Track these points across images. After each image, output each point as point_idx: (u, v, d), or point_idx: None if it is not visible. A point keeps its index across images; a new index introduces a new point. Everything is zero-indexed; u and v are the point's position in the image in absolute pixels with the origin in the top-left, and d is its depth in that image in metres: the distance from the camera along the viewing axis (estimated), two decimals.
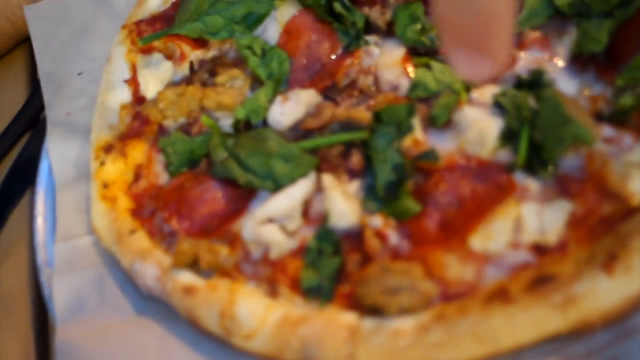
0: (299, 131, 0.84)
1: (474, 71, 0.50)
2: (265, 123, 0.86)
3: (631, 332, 0.58)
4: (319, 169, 0.79)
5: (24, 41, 1.23)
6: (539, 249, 0.66)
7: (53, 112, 1.02)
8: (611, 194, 0.65)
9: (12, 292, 0.93)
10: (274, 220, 0.77)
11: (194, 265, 0.79)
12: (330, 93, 0.87)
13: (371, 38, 0.89)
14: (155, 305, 0.79)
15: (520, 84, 0.78)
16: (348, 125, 0.81)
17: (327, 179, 0.77)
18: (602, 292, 0.58)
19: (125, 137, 0.94)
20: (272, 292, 0.73)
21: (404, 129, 0.77)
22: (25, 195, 1.05)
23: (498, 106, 0.76)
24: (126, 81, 0.99)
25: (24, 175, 1.06)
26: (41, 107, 1.10)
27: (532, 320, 0.60)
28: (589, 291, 0.59)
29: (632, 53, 0.72)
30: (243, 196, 0.82)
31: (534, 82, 0.77)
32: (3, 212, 1.02)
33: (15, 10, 1.17)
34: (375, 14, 0.90)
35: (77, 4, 1.14)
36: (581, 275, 0.60)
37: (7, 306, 0.92)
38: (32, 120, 1.13)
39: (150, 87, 0.99)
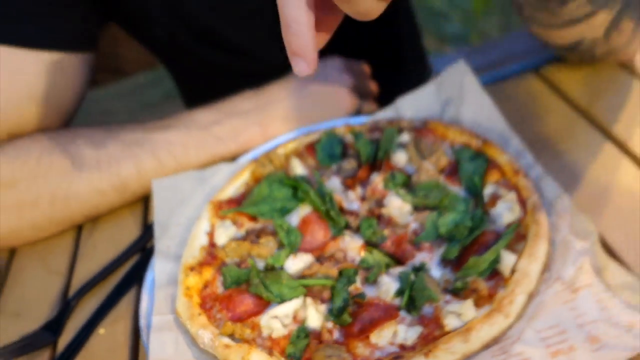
0: (300, 274, 1.19)
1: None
2: (282, 268, 1.12)
3: None
4: (306, 295, 1.05)
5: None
6: (403, 347, 0.94)
7: (159, 244, 1.33)
8: (441, 325, 0.95)
9: (118, 346, 1.27)
10: (277, 318, 1.02)
11: (231, 335, 1.06)
12: (319, 258, 1.14)
13: (347, 232, 1.16)
14: (209, 356, 1.02)
15: (413, 268, 1.07)
16: (325, 275, 1.10)
17: (309, 300, 1.03)
18: None
19: (202, 264, 1.19)
20: (270, 353, 1.07)
21: (351, 281, 1.06)
22: (132, 290, 1.40)
23: (399, 277, 1.05)
24: (207, 233, 1.32)
25: (132, 280, 1.43)
26: (148, 240, 1.50)
27: None
28: None
29: (467, 260, 1.02)
30: (263, 304, 1.07)
31: (419, 268, 1.07)
32: (117, 297, 1.39)
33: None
34: (351, 219, 1.23)
35: (183, 182, 1.50)
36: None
37: (114, 356, 1.25)
38: (142, 248, 1.50)
39: (222, 239, 1.30)
